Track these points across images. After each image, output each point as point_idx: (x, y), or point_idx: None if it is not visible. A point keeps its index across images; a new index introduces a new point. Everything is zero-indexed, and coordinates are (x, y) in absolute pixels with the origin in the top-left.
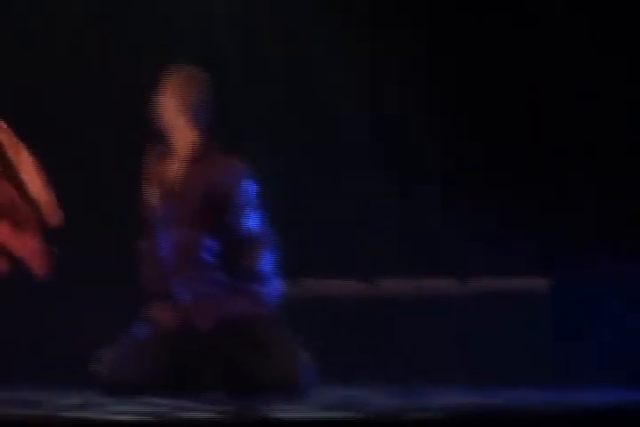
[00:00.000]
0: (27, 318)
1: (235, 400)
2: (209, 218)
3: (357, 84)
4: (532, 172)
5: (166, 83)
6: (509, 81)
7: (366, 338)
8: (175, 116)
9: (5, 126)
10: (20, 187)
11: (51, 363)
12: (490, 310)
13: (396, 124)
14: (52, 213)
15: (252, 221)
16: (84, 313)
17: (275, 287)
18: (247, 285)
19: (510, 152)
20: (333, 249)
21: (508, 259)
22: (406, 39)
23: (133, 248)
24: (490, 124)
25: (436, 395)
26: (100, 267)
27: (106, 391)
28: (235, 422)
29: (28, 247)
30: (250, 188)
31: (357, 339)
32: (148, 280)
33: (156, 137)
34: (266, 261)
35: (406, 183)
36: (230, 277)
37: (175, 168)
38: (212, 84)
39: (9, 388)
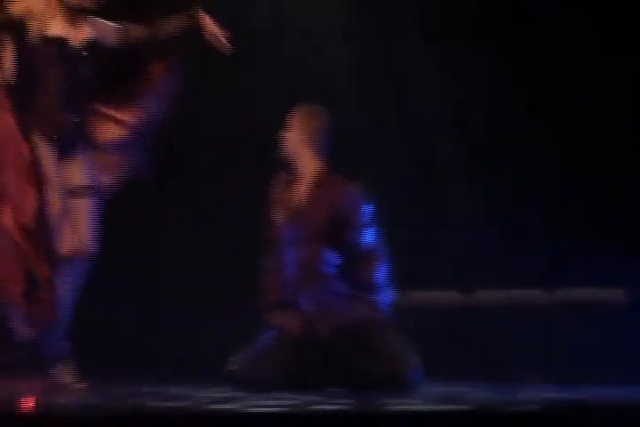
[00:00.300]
0: (173, 323)
1: (355, 395)
2: (330, 236)
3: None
4: (620, 186)
5: (292, 119)
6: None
7: (465, 342)
8: (300, 147)
9: None
10: None
11: (192, 361)
12: (573, 317)
13: (487, 144)
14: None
15: (368, 237)
16: (220, 321)
17: (387, 296)
18: (363, 294)
19: (601, 167)
20: (435, 262)
21: (591, 271)
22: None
23: (258, 264)
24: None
25: (529, 391)
26: (230, 279)
27: (239, 388)
28: (360, 413)
29: None
30: (366, 208)
31: (457, 342)
32: (273, 292)
33: (282, 166)
34: (380, 273)
35: (502, 201)
36: (348, 287)
37: (300, 193)
38: (330, 119)
39: (157, 383)
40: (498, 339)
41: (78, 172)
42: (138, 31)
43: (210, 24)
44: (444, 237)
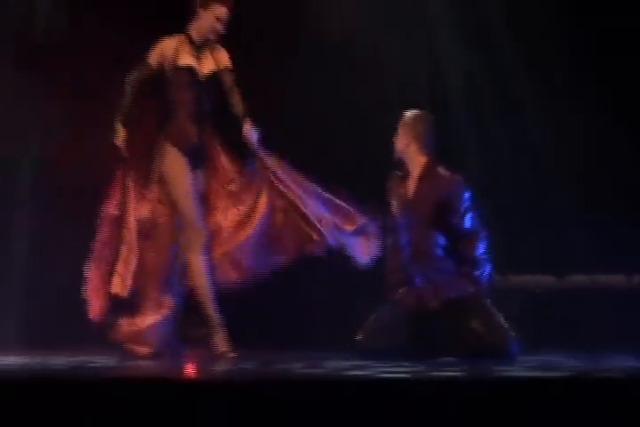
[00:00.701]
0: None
1: (466, 362)
2: (437, 220)
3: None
4: None
5: (402, 123)
6: None
7: (554, 318)
8: (408, 147)
9: None
10: None
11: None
12: None
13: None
14: None
15: (469, 221)
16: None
17: (487, 271)
18: (467, 270)
19: None
20: (532, 250)
21: None
22: None
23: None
24: None
25: (614, 361)
26: None
27: (363, 356)
28: (473, 379)
29: None
30: (466, 195)
31: (548, 319)
32: (393, 271)
33: (396, 164)
34: (480, 250)
35: (591, 191)
36: (454, 265)
37: (410, 186)
38: (432, 121)
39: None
40: (586, 318)
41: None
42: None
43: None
44: (541, 229)
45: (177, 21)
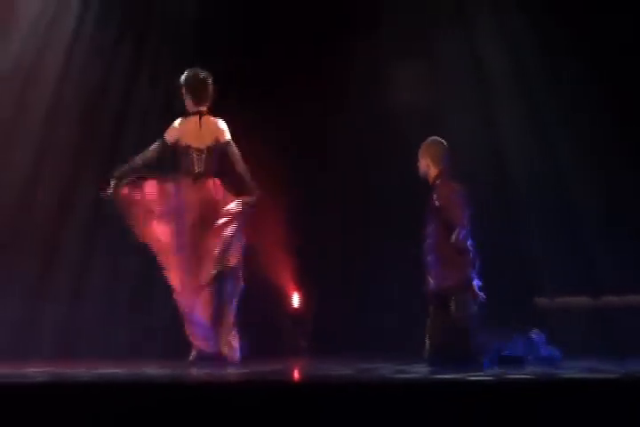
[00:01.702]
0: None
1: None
2: (438, 221)
3: None
4: None
5: (422, 148)
6: None
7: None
8: (427, 166)
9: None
10: None
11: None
12: None
13: None
14: None
15: (467, 222)
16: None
17: (471, 272)
18: (451, 266)
19: None
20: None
21: None
22: None
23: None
24: None
25: None
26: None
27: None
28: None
29: None
30: (466, 201)
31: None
32: (428, 280)
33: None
34: (470, 248)
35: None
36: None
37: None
38: (446, 146)
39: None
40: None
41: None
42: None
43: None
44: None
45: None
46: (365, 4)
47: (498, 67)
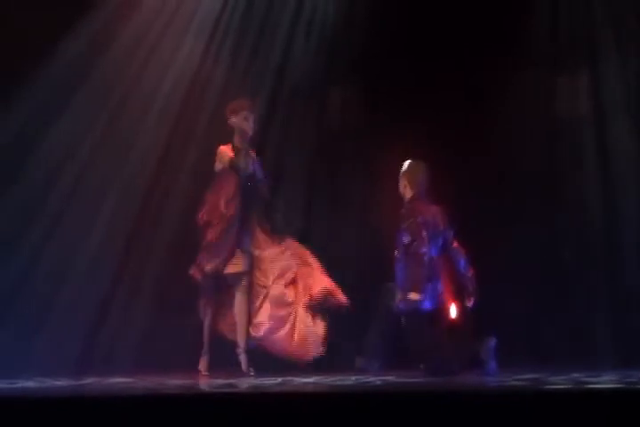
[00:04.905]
0: None
1: None
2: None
3: None
4: None
5: (401, 170)
6: None
7: None
8: (404, 187)
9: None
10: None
11: None
12: None
13: None
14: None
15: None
16: None
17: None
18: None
19: None
20: None
21: None
22: None
23: None
24: None
25: None
26: None
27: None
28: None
29: None
30: (445, 219)
31: None
32: None
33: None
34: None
35: None
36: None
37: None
38: (425, 169)
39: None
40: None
41: None
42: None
43: None
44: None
45: None
46: None
47: None
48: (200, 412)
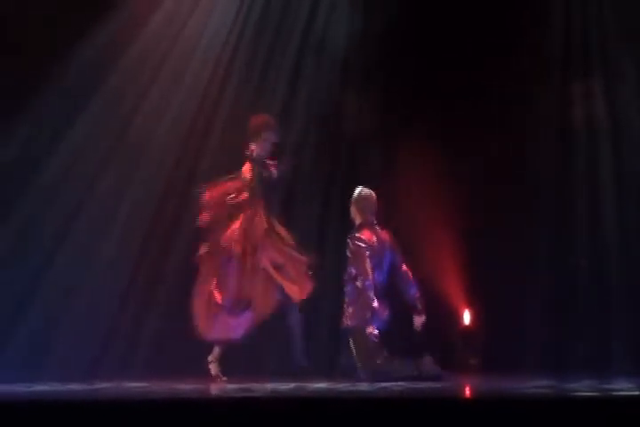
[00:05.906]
0: None
1: None
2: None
3: None
4: None
5: (353, 197)
6: None
7: None
8: (355, 214)
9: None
10: None
11: None
12: None
13: None
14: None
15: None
16: None
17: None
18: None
19: None
20: None
21: None
22: None
23: None
24: None
25: None
26: None
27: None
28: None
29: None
30: (393, 244)
31: None
32: None
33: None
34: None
35: None
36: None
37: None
38: (374, 199)
39: None
40: None
41: None
42: None
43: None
44: None
45: None
46: None
47: None
48: (215, 416)
